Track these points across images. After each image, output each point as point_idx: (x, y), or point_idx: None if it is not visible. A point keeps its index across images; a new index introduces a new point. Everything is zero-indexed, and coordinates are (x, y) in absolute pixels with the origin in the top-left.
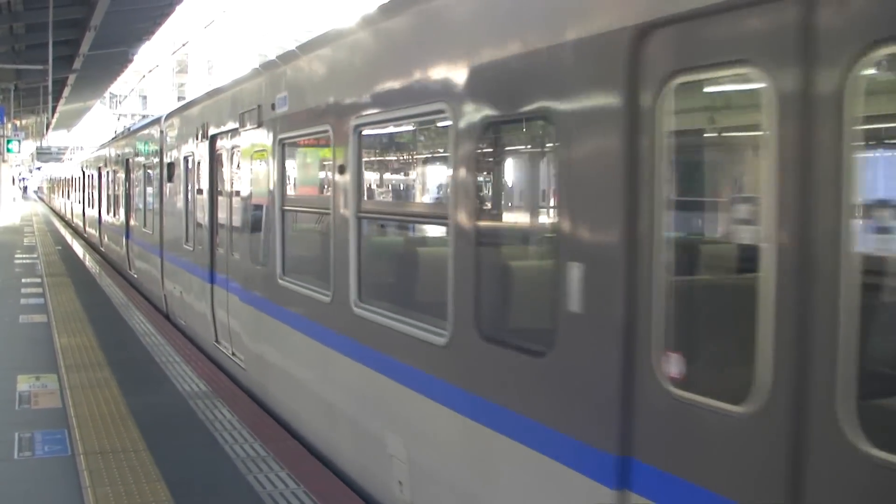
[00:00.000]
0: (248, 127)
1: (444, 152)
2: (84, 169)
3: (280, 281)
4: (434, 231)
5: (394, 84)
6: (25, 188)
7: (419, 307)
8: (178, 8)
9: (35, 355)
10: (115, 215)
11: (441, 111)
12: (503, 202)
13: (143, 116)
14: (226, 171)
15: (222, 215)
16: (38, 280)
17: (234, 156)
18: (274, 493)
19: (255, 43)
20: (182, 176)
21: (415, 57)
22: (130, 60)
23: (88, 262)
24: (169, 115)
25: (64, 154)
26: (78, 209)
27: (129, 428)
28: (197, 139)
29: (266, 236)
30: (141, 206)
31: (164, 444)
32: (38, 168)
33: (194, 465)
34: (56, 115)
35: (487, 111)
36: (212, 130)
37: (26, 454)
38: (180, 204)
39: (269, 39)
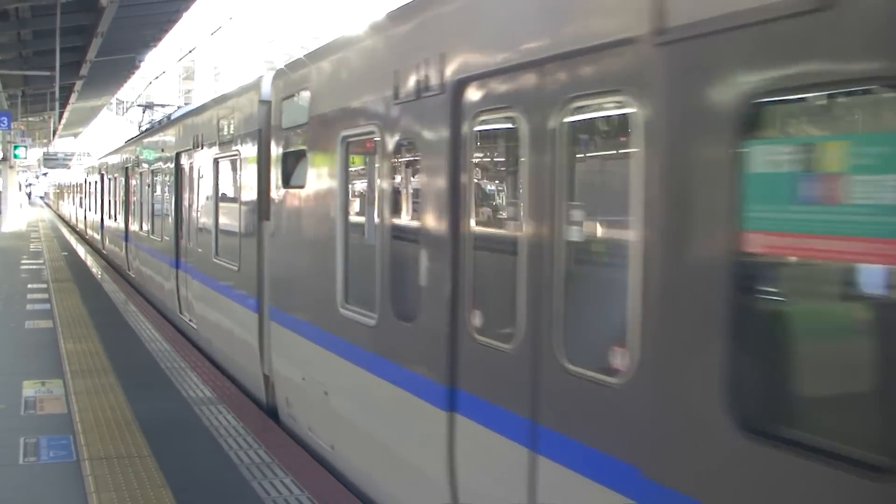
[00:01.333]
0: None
1: None
2: (103, 172)
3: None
4: None
5: None
6: (30, 194)
7: None
8: (185, 15)
9: (41, 361)
10: (151, 232)
11: None
12: None
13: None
14: (548, 158)
15: (516, 262)
16: (44, 286)
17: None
18: (278, 500)
19: (262, 50)
20: (336, 176)
21: None
22: (137, 67)
23: (95, 269)
24: (285, 71)
25: (71, 160)
26: (93, 219)
27: (134, 433)
28: (392, 99)
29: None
30: (207, 223)
31: (169, 450)
32: (45, 174)
33: (199, 471)
34: (63, 120)
35: None
36: (455, 71)
37: (31, 459)
38: (329, 229)
39: (276, 46)
